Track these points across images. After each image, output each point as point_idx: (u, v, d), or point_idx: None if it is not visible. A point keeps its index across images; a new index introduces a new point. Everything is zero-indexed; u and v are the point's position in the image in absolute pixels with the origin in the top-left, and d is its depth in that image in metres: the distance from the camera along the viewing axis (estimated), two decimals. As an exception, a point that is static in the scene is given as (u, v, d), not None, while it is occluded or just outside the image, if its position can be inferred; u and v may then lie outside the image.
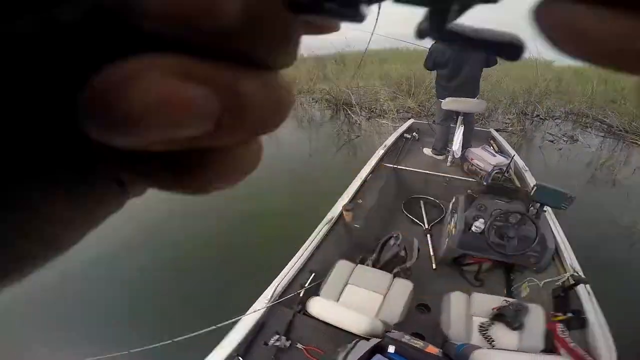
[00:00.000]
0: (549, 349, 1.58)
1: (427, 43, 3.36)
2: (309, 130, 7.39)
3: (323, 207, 2.61)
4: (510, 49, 0.15)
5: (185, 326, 1.59)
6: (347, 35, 11.00)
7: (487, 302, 1.79)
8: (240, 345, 1.52)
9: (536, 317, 1.66)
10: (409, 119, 5.53)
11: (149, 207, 4.50)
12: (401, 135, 3.89)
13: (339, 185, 2.89)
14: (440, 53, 3.07)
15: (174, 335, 1.57)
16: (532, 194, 2.06)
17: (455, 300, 1.85)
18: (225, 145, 0.10)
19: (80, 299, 3.18)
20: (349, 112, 7.92)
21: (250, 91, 0.09)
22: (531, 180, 2.76)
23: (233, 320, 1.64)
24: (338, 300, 1.92)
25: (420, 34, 0.14)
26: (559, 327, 1.60)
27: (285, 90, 0.11)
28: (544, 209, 2.13)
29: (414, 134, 3.94)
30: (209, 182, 0.10)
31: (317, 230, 2.31)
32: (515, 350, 1.56)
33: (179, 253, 3.59)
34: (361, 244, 2.56)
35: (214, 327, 1.57)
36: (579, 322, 1.61)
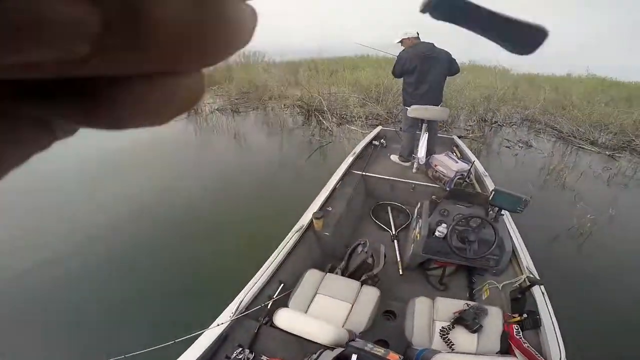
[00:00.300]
0: (505, 350, 1.66)
1: (396, 50, 3.47)
2: (280, 136, 7.36)
3: (294, 214, 2.59)
4: (529, 38, 0.13)
5: (142, 341, 1.52)
6: (321, 43, 11.21)
7: (449, 306, 1.86)
8: (200, 359, 1.47)
9: (494, 320, 1.74)
10: (378, 125, 5.67)
11: (115, 211, 4.27)
12: (370, 142, 3.98)
13: (310, 193, 2.90)
14: (407, 60, 3.17)
15: (128, 350, 1.49)
16: (490, 198, 2.16)
17: (419, 306, 1.90)
18: (139, 74, 0.08)
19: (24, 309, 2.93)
20: (321, 118, 7.98)
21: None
22: (490, 185, 2.90)
23: (194, 334, 1.58)
24: (307, 310, 1.91)
25: (429, 7, 0.13)
26: (515, 328, 1.68)
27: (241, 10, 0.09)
28: (502, 212, 2.23)
29: (382, 140, 4.05)
30: (124, 116, 0.09)
31: (286, 239, 2.29)
32: (473, 353, 1.62)
33: (139, 263, 3.42)
34: (331, 251, 2.57)
35: (171, 342, 1.51)
36: (533, 322, 1.69)
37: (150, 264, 3.39)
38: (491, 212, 2.25)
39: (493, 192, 2.14)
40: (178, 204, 4.58)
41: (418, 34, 3.21)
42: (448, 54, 3.21)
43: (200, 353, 1.49)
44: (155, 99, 0.09)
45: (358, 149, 3.71)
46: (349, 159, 3.43)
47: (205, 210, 4.38)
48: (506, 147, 6.45)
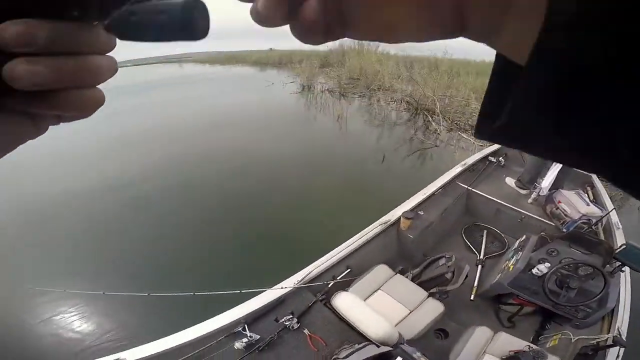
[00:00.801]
0: None
1: None
2: (381, 128, 7.24)
3: (376, 207, 2.58)
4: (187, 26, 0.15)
5: (210, 282, 1.71)
6: (447, 42, 10.39)
7: (509, 343, 1.73)
8: (251, 314, 1.61)
9: None
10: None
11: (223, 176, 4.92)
12: (485, 157, 3.57)
13: (399, 191, 2.81)
14: None
15: (196, 287, 1.71)
16: (618, 252, 1.93)
17: (478, 335, 1.79)
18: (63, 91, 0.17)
19: (112, 232, 3.58)
20: (430, 119, 7.51)
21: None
22: (620, 240, 2.43)
23: (258, 290, 1.72)
24: (365, 301, 1.90)
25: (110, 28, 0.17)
26: None
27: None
28: (623, 269, 2.00)
29: (501, 158, 3.57)
30: (64, 110, 0.18)
31: (368, 228, 2.30)
32: None
33: (231, 216, 3.85)
34: (408, 254, 2.48)
35: (237, 291, 1.67)
36: None
37: (235, 218, 3.79)
38: (609, 265, 1.98)
39: (624, 246, 1.92)
40: (273, 169, 5.03)
41: None
42: None
43: (256, 308, 1.64)
44: (74, 102, 0.18)
45: (470, 160, 3.37)
46: (457, 169, 3.16)
47: (297, 179, 4.69)
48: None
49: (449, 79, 9.41)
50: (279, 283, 1.80)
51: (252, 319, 1.61)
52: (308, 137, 6.55)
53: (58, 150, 5.45)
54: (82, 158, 5.59)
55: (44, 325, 2.53)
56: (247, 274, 2.87)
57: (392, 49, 14.53)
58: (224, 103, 9.39)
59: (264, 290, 1.74)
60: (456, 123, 7.34)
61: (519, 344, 1.73)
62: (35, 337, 2.47)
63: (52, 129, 0.20)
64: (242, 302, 1.67)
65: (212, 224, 3.69)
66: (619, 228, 2.58)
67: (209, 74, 15.41)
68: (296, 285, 1.77)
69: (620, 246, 1.94)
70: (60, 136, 5.55)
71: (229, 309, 1.63)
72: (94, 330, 2.50)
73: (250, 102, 9.40)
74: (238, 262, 3.11)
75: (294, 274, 1.89)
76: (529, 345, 1.69)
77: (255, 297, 1.70)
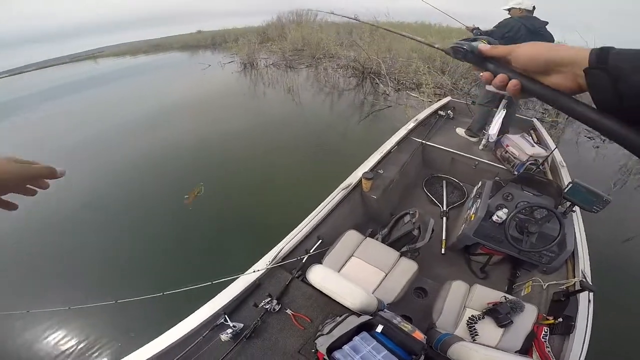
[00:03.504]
0: (525, 349, 1.55)
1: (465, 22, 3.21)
2: (332, 95, 7.11)
3: (341, 173, 2.47)
4: None
5: (181, 280, 1.55)
6: (388, 5, 10.33)
7: (485, 295, 1.75)
8: (230, 303, 1.50)
9: (527, 318, 1.62)
10: (441, 95, 5.13)
11: (169, 164, 4.50)
12: (435, 112, 3.65)
13: (360, 154, 2.73)
14: (515, 29, 2.79)
15: (167, 287, 1.54)
16: (566, 191, 1.89)
17: (455, 290, 1.79)
18: None
19: (68, 244, 3.22)
20: (377, 81, 7.52)
21: None
22: (566, 178, 2.54)
23: (230, 277, 1.59)
24: (340, 270, 1.85)
25: None
26: (544, 330, 1.57)
27: None
28: (574, 208, 1.98)
29: (449, 112, 3.68)
30: None
31: (331, 195, 2.21)
32: (492, 347, 1.51)
33: (185, 207, 3.57)
34: (375, 216, 2.46)
35: (208, 283, 1.53)
36: (565, 327, 1.56)
37: (198, 209, 3.52)
38: (561, 206, 1.99)
39: (571, 185, 1.88)
40: (231, 152, 4.72)
41: (534, 8, 2.85)
42: (552, 38, 2.82)
43: (233, 296, 1.52)
44: None
45: (421, 116, 3.42)
46: (410, 125, 3.18)
47: (257, 160, 4.46)
48: (587, 137, 5.59)
49: (390, 41, 9.40)
50: (251, 267, 1.68)
51: (232, 309, 1.50)
52: (261, 113, 6.23)
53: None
54: None
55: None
56: (218, 267, 2.69)
57: (330, 17, 14.11)
58: (160, 95, 8.20)
59: (237, 277, 1.61)
60: (402, 83, 7.43)
61: (495, 295, 1.74)
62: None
63: None
64: (216, 294, 1.54)
65: (173, 220, 3.38)
66: (563, 166, 2.74)
67: (132, 67, 13.47)
68: (268, 266, 1.66)
69: (568, 185, 1.90)
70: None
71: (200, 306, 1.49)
72: (69, 347, 2.27)
73: (190, 87, 8.53)
74: (206, 256, 2.91)
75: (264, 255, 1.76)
76: (504, 296, 1.71)
77: (229, 287, 1.57)
